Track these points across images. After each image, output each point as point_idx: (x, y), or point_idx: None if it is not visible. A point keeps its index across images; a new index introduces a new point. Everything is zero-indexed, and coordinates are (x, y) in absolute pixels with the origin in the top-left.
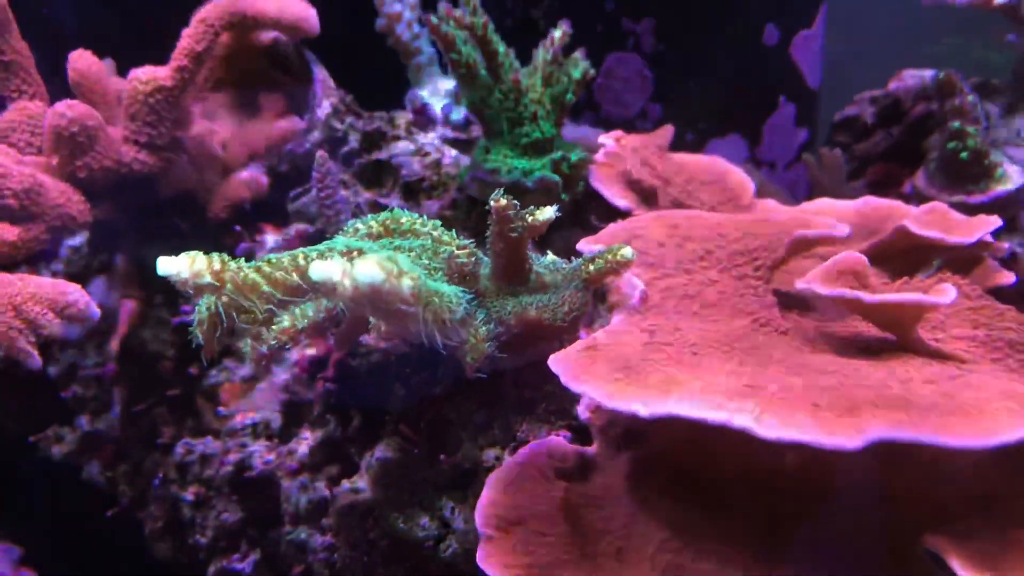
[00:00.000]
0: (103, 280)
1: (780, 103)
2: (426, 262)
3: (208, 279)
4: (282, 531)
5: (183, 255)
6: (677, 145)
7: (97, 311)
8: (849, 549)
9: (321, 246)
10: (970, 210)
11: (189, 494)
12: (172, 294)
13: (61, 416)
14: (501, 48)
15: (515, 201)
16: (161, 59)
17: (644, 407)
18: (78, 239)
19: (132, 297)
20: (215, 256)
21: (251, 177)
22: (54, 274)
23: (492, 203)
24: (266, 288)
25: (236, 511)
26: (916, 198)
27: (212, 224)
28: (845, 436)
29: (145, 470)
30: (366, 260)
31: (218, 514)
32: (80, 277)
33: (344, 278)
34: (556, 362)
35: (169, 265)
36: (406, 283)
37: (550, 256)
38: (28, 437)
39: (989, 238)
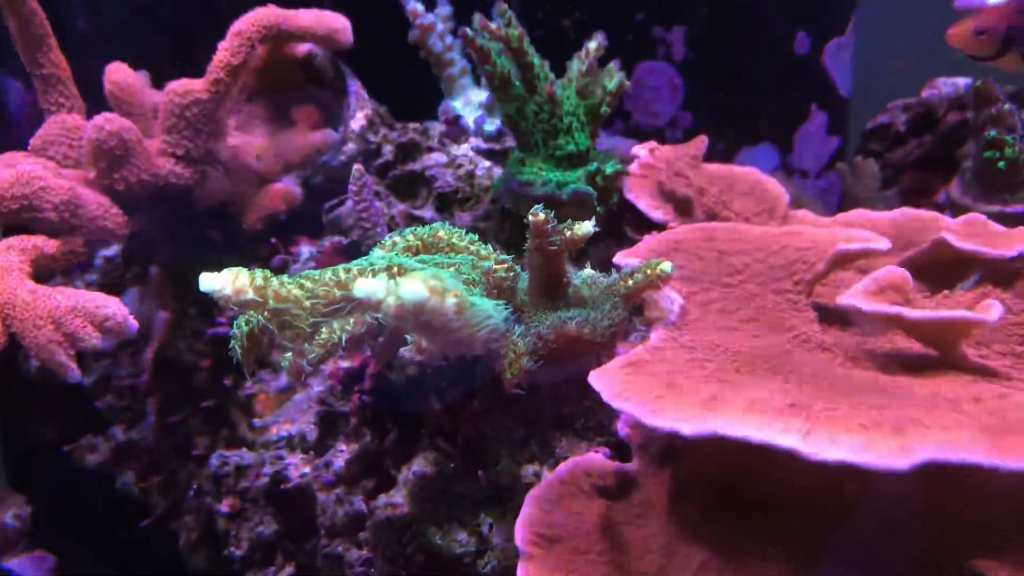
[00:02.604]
0: (137, 291)
1: (812, 111)
2: (465, 276)
3: (251, 295)
4: (318, 545)
5: (225, 271)
6: (708, 154)
7: (135, 325)
8: (894, 573)
9: (362, 261)
10: (1008, 220)
11: (224, 506)
12: (206, 305)
13: (95, 426)
14: (536, 60)
15: (552, 215)
16: (197, 71)
17: (687, 426)
18: (112, 249)
19: (166, 308)
20: (258, 272)
21: (285, 189)
22: (88, 285)
23: (530, 217)
24: (308, 303)
25: (272, 524)
26: (950, 207)
27: (247, 235)
28: (894, 457)
29: (179, 481)
30: (411, 278)
31: (253, 527)
32: (114, 288)
33: (388, 296)
34: (597, 379)
35: (212, 281)
36: (450, 301)
37: (588, 270)
38: (62, 447)
39: None
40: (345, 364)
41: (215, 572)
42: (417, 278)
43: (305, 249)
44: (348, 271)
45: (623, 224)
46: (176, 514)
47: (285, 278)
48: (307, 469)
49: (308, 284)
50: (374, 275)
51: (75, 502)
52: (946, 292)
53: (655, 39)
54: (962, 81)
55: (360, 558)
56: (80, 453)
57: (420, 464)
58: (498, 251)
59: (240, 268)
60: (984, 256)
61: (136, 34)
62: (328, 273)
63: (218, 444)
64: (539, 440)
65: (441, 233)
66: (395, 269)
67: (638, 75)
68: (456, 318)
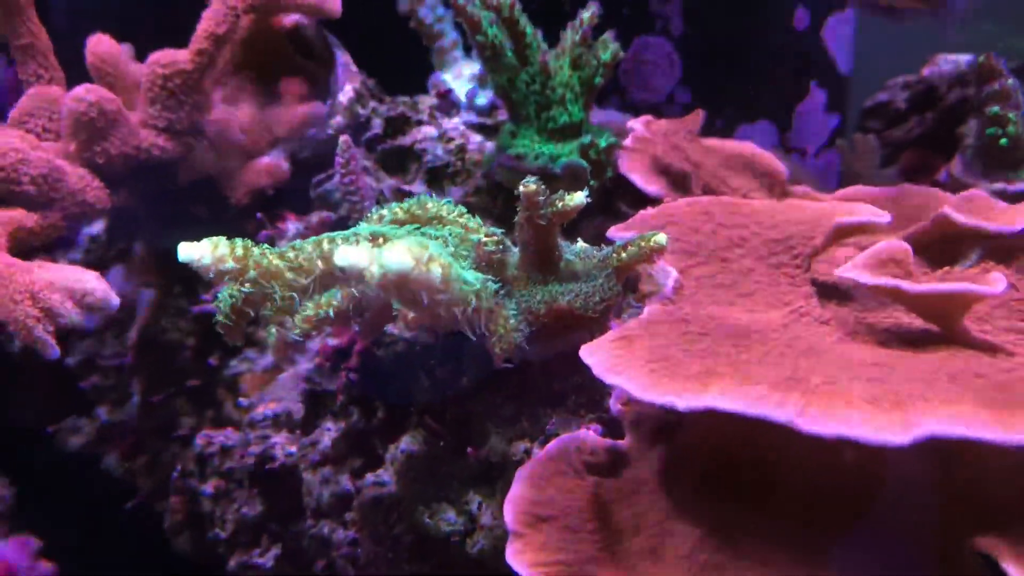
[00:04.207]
0: (122, 268)
1: (811, 88)
2: (452, 250)
3: (231, 264)
4: (304, 525)
5: (205, 240)
6: (706, 131)
7: (116, 300)
8: (896, 550)
9: (346, 232)
10: (1011, 198)
11: (209, 487)
12: (191, 282)
13: (79, 407)
14: (528, 29)
15: (544, 186)
16: (182, 43)
17: (681, 400)
18: (96, 227)
19: (151, 285)
20: (238, 241)
21: (272, 163)
22: (72, 262)
23: (521, 189)
24: (289, 275)
25: (257, 504)
26: (952, 185)
27: (233, 211)
28: (893, 432)
29: (164, 462)
30: (395, 246)
31: (238, 507)
32: (98, 265)
33: (372, 264)
34: (588, 353)
35: (191, 251)
36: (435, 270)
37: (580, 244)
38: (47, 428)
39: None
40: (333, 341)
41: (200, 554)
42: (401, 246)
43: (292, 225)
44: (332, 242)
45: (617, 199)
46: (161, 495)
47: (267, 247)
48: (293, 448)
49: (290, 254)
50: (358, 244)
51: (60, 484)
52: (947, 268)
53: (653, 13)
54: (964, 58)
55: (346, 538)
56: (64, 434)
57: (408, 442)
58: (490, 225)
59: (221, 237)
60: (985, 231)
61: (120, 6)
62: (311, 244)
63: (204, 424)
64: (529, 417)
65: (429, 205)
66: (380, 239)
67: (635, 49)
68: (442, 288)
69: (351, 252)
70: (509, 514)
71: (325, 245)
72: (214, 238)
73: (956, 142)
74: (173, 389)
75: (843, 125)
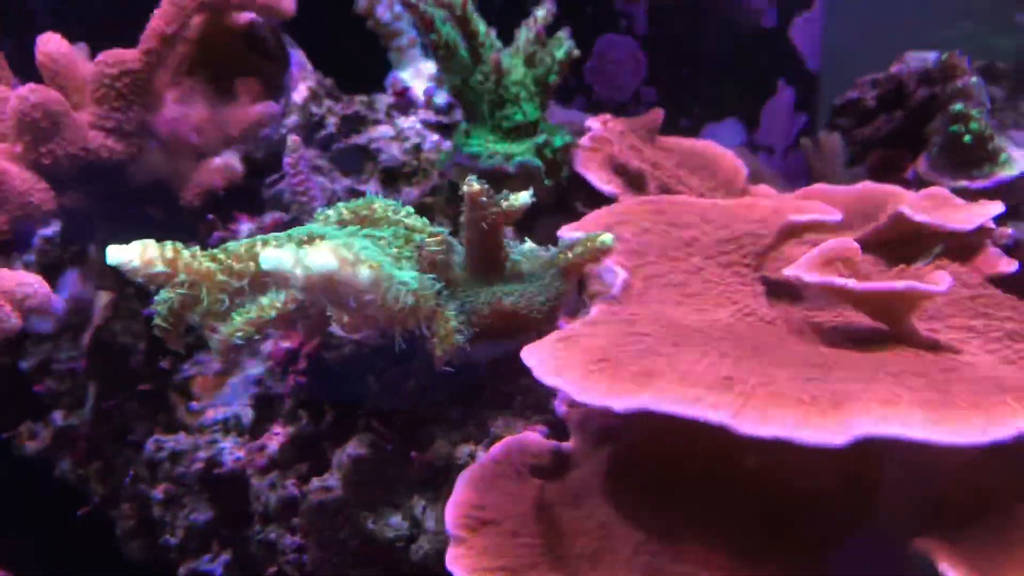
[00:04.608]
0: (77, 271)
1: (779, 87)
2: (395, 251)
3: (160, 267)
4: (253, 531)
5: (135, 243)
6: (672, 130)
7: (59, 304)
8: (835, 551)
9: (281, 234)
10: (973, 196)
11: (159, 492)
12: (145, 285)
13: (34, 412)
14: (482, 28)
15: (488, 186)
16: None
17: (618, 401)
18: (51, 229)
19: (107, 288)
20: (168, 244)
21: (224, 164)
22: (26, 265)
23: (465, 189)
24: (221, 277)
25: (207, 510)
26: (918, 184)
27: (186, 213)
28: (829, 432)
29: (117, 467)
30: (319, 247)
31: (188, 513)
32: (54, 268)
33: (296, 267)
34: (529, 354)
35: (119, 254)
36: (363, 271)
37: (528, 244)
38: (1, 433)
39: (991, 224)
40: (285, 344)
41: (152, 560)
42: (326, 247)
43: (245, 227)
44: (266, 243)
45: (574, 198)
46: (115, 502)
47: (198, 250)
48: (241, 453)
49: (221, 256)
50: (284, 246)
51: (15, 490)
52: (902, 266)
53: (617, 12)
54: (932, 56)
55: (293, 544)
56: (19, 440)
57: (355, 447)
58: (439, 225)
59: (150, 240)
60: (942, 229)
61: (75, 5)
62: (243, 245)
63: (156, 429)
64: (475, 420)
65: (376, 206)
66: (315, 240)
67: (599, 48)
68: (371, 290)
69: (275, 254)
70: (449, 518)
71: (258, 247)
72: (144, 240)
73: (924, 140)
74: (125, 394)
75: (812, 124)
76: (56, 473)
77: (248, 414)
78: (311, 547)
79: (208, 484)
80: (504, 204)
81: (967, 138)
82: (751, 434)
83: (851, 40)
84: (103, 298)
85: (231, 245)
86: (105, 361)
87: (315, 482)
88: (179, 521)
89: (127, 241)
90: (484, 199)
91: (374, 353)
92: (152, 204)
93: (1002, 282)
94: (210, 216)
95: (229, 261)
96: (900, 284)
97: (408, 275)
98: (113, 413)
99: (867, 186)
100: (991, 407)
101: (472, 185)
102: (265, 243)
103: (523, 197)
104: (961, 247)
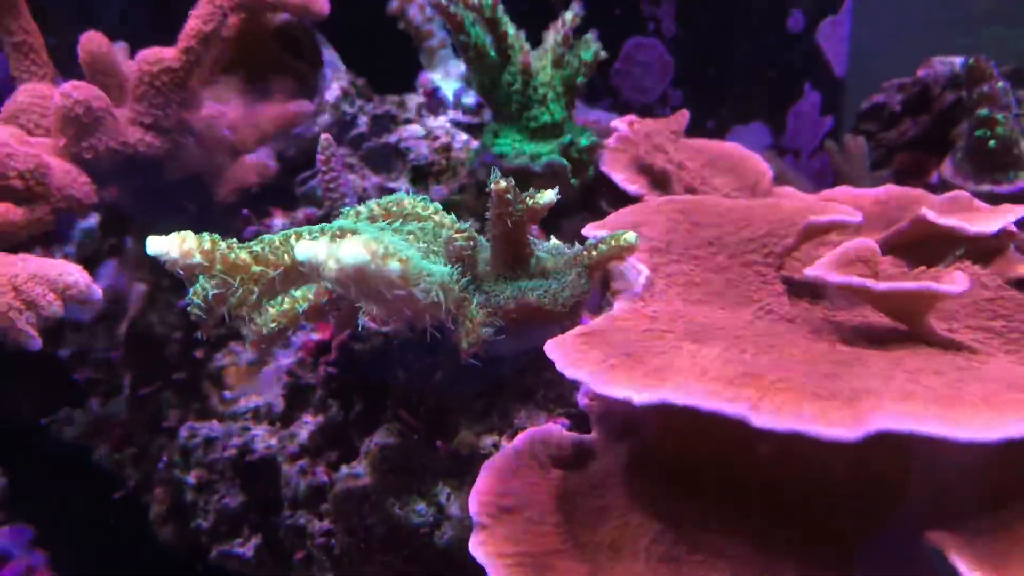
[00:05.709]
0: (114, 263)
1: (805, 91)
2: (424, 246)
3: (198, 259)
4: (283, 516)
5: (173, 234)
6: (698, 132)
7: (99, 293)
8: (849, 545)
9: (315, 227)
10: (998, 200)
11: (192, 478)
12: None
13: (72, 399)
14: (511, 30)
15: (514, 184)
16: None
17: (637, 394)
18: (90, 221)
19: (143, 280)
20: (205, 236)
21: (259, 161)
22: (66, 256)
23: (492, 186)
24: (256, 268)
25: (238, 495)
26: (942, 187)
27: (220, 207)
28: (844, 427)
29: (151, 454)
30: (351, 240)
31: (220, 498)
32: (92, 260)
33: (329, 259)
34: (552, 348)
35: (159, 245)
36: (393, 265)
37: (553, 241)
38: (40, 419)
39: (1013, 228)
40: (316, 336)
41: (184, 543)
42: (358, 241)
43: (279, 221)
44: (300, 236)
45: (599, 198)
46: (148, 487)
47: (234, 242)
48: (273, 441)
49: (257, 248)
50: (319, 239)
51: (53, 475)
52: (923, 268)
53: (645, 15)
54: (958, 60)
55: (322, 529)
56: (58, 426)
57: (382, 436)
58: (466, 221)
59: (188, 232)
60: (963, 232)
61: (117, 5)
62: (279, 238)
63: (189, 417)
64: (499, 411)
65: (406, 202)
66: (347, 234)
67: (627, 50)
68: (400, 283)
69: (309, 246)
70: (473, 505)
71: (293, 240)
72: (183, 232)
73: (950, 144)
74: (161, 382)
75: (838, 127)
76: (94, 459)
77: (279, 403)
78: (339, 532)
79: (240, 470)
80: (530, 201)
81: (992, 143)
82: (768, 427)
83: (878, 44)
84: (139, 289)
85: (267, 237)
86: (140, 350)
87: (344, 469)
88: (211, 506)
89: (163, 234)
90: (510, 196)
91: (402, 345)
92: (188, 199)
93: (1023, 285)
94: (245, 211)
95: (265, 252)
96: (917, 284)
97: (436, 269)
98: (148, 401)
99: (890, 188)
100: (1005, 405)
101: (499, 183)
102: (299, 236)
103: (548, 195)
104: (983, 250)
